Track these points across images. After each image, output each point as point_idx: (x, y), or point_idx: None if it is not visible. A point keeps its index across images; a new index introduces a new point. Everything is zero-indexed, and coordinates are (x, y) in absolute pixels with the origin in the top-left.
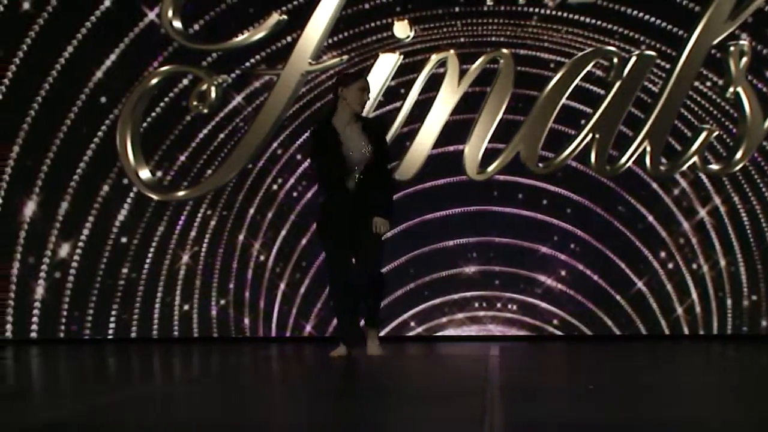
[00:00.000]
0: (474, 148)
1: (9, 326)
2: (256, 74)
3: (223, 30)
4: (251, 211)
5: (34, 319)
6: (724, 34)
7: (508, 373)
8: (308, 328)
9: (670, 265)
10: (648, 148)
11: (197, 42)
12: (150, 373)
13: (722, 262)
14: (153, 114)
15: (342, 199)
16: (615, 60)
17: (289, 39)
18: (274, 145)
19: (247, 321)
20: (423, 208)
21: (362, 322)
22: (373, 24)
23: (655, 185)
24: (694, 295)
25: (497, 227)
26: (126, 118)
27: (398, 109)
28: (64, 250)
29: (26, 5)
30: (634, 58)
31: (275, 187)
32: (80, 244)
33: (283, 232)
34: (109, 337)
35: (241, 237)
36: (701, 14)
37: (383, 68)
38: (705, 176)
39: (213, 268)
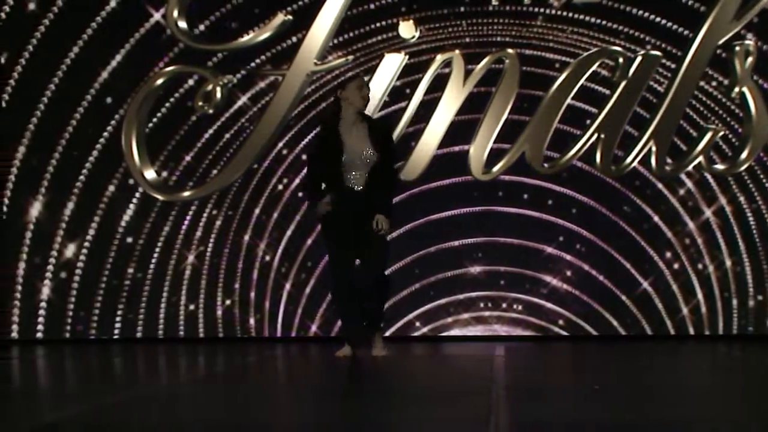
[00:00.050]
0: (479, 148)
1: (15, 326)
2: (261, 74)
3: (228, 30)
4: (257, 211)
5: (40, 319)
6: (730, 34)
7: (514, 373)
8: (313, 328)
9: (676, 265)
10: (653, 148)
11: (202, 42)
12: (155, 373)
13: (728, 262)
14: (158, 114)
15: (346, 199)
16: (620, 60)
17: (294, 39)
18: (280, 145)
19: (252, 321)
20: (428, 208)
21: (366, 323)
22: (378, 24)
23: (660, 185)
24: (700, 295)
25: (502, 227)
26: (131, 119)
27: (403, 110)
28: (70, 251)
29: (32, 5)
30: (639, 58)
31: (281, 187)
32: (86, 244)
33: (289, 233)
34: (115, 337)
35: (246, 237)
36: (707, 14)
37: (388, 68)
38: (710, 176)
39: (218, 268)
